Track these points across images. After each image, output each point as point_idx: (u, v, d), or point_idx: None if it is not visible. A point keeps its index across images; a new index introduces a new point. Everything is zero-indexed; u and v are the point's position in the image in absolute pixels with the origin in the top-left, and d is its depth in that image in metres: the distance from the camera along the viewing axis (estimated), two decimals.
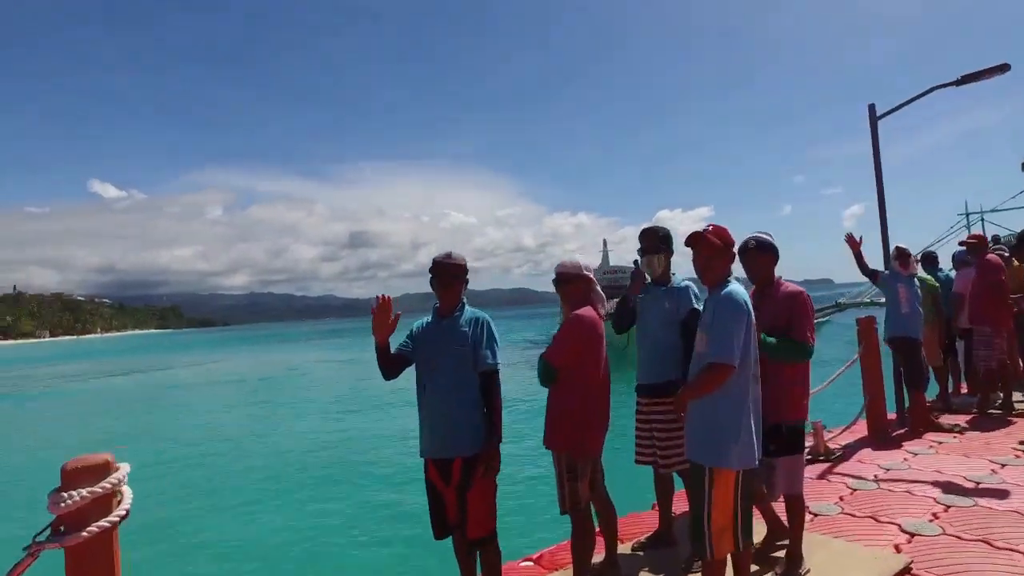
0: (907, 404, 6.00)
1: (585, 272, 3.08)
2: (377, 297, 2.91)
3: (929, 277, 6.72)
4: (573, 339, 2.87)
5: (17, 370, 50.44)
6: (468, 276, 3.05)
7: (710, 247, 2.59)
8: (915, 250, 6.09)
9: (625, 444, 3.93)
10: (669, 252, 3.52)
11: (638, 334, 3.57)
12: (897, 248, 5.97)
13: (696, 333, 2.70)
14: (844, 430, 5.81)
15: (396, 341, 3.01)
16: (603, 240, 35.92)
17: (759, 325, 2.87)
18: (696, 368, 2.59)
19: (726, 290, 2.55)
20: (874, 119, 6.17)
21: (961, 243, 6.48)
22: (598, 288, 3.09)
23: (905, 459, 4.88)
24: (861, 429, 5.89)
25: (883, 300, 6.17)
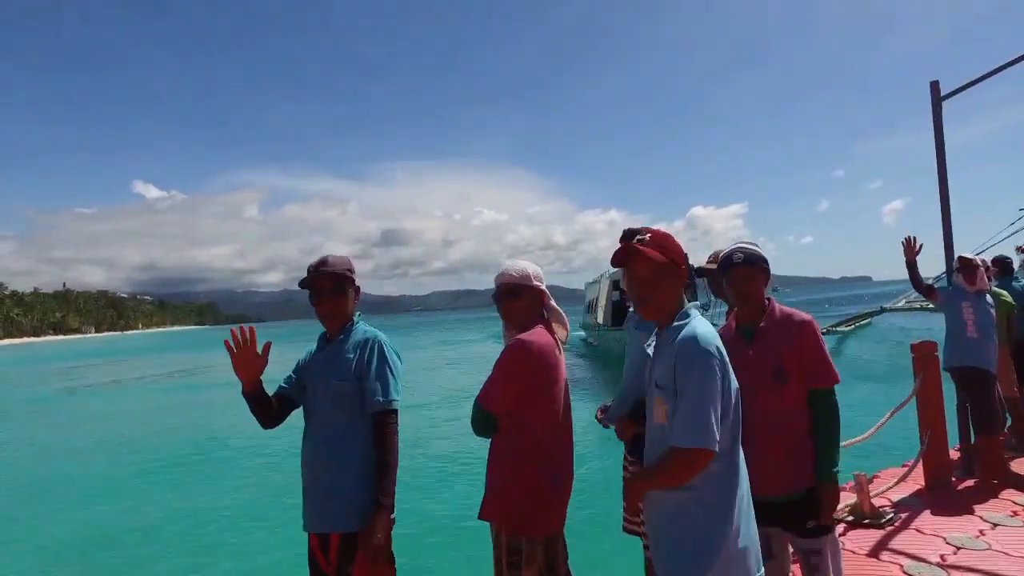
0: (972, 441, 4.89)
1: (534, 282, 2.28)
2: (232, 331, 2.18)
3: (1004, 292, 5.53)
4: (516, 374, 2.15)
5: (71, 363, 51.51)
6: (357, 283, 2.35)
7: (649, 265, 1.85)
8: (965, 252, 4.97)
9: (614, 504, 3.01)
10: None
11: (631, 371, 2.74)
12: (961, 259, 4.84)
13: (648, 386, 1.91)
14: (898, 482, 4.70)
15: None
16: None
17: (747, 367, 2.25)
18: (656, 447, 1.84)
19: (687, 330, 1.77)
20: (937, 99, 5.05)
21: None
22: (552, 303, 2.29)
23: (981, 533, 3.77)
24: (915, 477, 4.78)
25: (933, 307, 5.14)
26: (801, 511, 2.27)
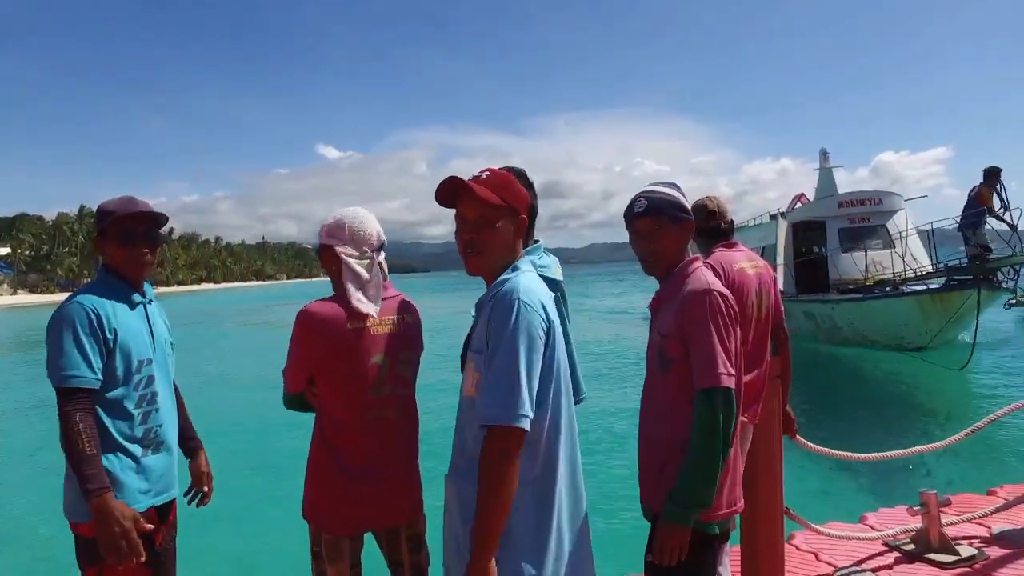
0: None
1: (328, 240, 1.93)
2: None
3: None
4: (295, 350, 1.88)
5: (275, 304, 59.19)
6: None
7: (478, 206, 1.58)
8: None
9: None
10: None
11: None
12: None
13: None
14: (1009, 505, 3.49)
15: None
16: (821, 151, 19.24)
17: (648, 346, 1.86)
18: (467, 432, 1.57)
19: (508, 285, 1.53)
20: None
21: None
22: (353, 265, 1.90)
23: None
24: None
25: None
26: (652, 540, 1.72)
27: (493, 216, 1.58)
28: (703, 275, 1.77)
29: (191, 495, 2.23)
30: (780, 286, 17.41)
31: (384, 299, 1.93)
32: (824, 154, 19.19)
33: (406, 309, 2.00)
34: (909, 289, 13.27)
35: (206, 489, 2.25)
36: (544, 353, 1.48)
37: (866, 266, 15.29)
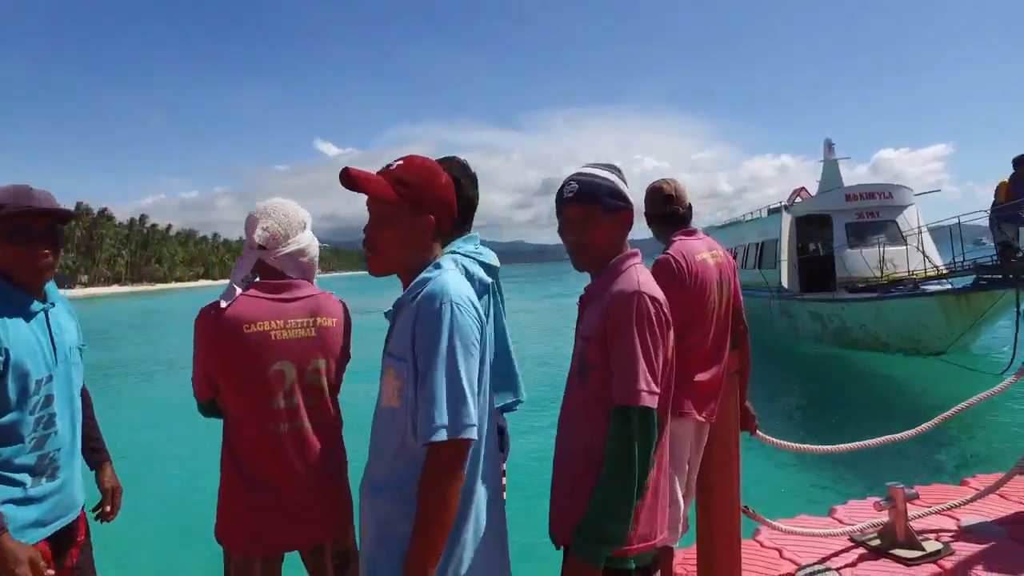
0: None
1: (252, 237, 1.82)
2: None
3: None
4: (195, 355, 1.77)
5: None
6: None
7: (372, 202, 1.48)
8: None
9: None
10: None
11: None
12: None
13: None
14: (977, 496, 3.40)
15: None
16: (825, 141, 18.10)
17: (576, 344, 1.67)
18: (386, 444, 1.46)
19: (434, 285, 1.41)
20: None
21: None
22: (243, 259, 1.81)
23: None
24: (1009, 499, 3.47)
25: None
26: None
27: (387, 213, 1.46)
28: (635, 274, 1.56)
29: (97, 512, 2.05)
30: (784, 283, 14.67)
31: (295, 299, 1.78)
32: (829, 145, 17.89)
33: (322, 311, 1.82)
34: (931, 288, 11.95)
35: (108, 508, 2.05)
36: (474, 357, 1.39)
37: (882, 263, 14.05)
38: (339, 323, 1.86)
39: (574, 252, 1.65)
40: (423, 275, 1.44)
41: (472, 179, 2.08)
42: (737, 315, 2.71)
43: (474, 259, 2.35)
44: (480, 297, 2.39)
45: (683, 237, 2.58)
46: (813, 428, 8.63)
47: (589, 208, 1.59)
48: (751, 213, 20.83)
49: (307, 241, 1.88)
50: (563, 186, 1.66)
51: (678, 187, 2.64)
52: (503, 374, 2.10)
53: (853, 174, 18.22)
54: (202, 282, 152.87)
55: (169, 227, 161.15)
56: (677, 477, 2.46)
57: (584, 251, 1.63)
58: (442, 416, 1.30)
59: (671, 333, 1.54)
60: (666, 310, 1.53)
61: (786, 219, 15.87)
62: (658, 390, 1.46)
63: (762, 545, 3.19)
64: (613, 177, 1.62)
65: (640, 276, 1.55)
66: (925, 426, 3.27)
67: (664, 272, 2.44)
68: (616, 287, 1.54)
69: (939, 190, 20.32)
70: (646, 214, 2.69)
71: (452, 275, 1.44)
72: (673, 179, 2.67)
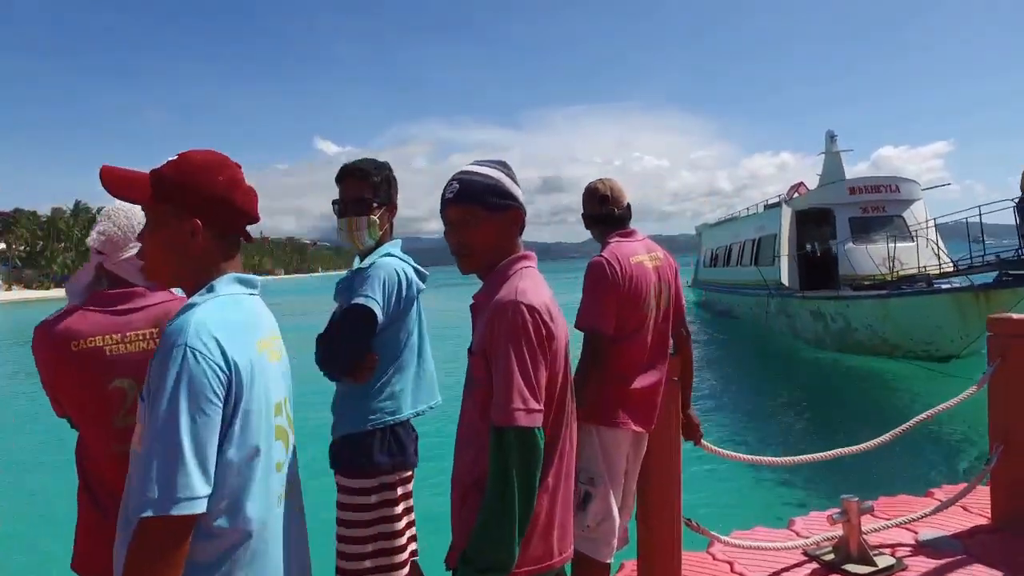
0: None
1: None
2: None
3: None
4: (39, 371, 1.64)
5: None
6: None
7: (145, 206, 1.30)
8: None
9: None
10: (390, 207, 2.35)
11: None
12: None
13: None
14: (937, 509, 3.28)
15: None
16: (827, 132, 17.34)
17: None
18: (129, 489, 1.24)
19: (182, 318, 1.18)
20: None
21: None
22: (84, 266, 1.72)
23: None
24: (980, 506, 3.36)
25: None
26: None
27: (148, 215, 1.28)
28: (518, 281, 1.45)
29: None
30: (783, 280, 13.79)
31: (137, 309, 1.62)
32: (831, 137, 17.11)
33: (170, 319, 1.71)
34: (946, 285, 11.09)
35: None
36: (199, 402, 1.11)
37: (891, 260, 13.22)
38: None
39: (457, 255, 1.54)
40: (189, 301, 1.23)
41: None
42: (679, 319, 2.61)
43: (409, 263, 2.29)
44: (412, 304, 2.31)
45: (619, 239, 2.47)
46: (804, 435, 8.53)
47: (470, 208, 1.49)
48: (747, 209, 20.31)
49: None
50: (446, 186, 1.55)
51: (615, 187, 2.53)
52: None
53: (853, 171, 17.65)
54: None
55: None
56: (612, 490, 2.36)
57: (467, 254, 1.52)
58: (152, 488, 1.06)
59: (556, 344, 1.43)
60: (547, 321, 1.40)
61: (786, 213, 15.37)
62: (538, 407, 1.35)
63: (714, 558, 3.08)
64: (498, 175, 1.51)
65: (520, 283, 1.43)
66: (883, 438, 3.15)
67: (596, 275, 2.34)
68: (497, 296, 1.43)
69: (949, 183, 19.73)
70: (583, 215, 2.59)
71: (212, 305, 1.19)
72: (611, 178, 2.56)
